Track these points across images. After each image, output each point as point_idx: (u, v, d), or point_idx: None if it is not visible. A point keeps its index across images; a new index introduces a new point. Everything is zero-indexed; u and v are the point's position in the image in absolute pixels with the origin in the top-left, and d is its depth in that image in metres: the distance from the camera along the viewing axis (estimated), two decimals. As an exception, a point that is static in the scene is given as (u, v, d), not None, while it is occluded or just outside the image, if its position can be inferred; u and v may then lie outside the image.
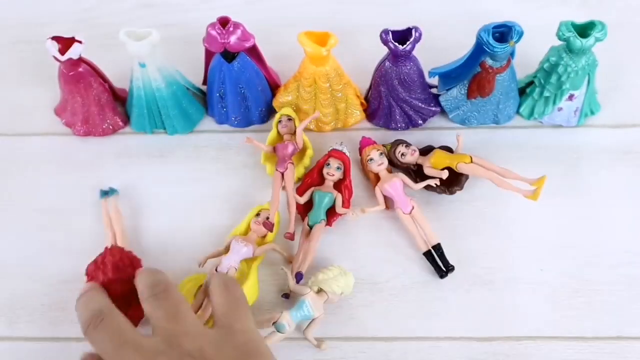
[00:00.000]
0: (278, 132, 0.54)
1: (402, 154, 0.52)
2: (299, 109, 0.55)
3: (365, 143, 0.53)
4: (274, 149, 0.52)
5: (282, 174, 0.51)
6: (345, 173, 0.51)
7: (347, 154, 0.52)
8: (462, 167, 0.50)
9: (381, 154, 0.52)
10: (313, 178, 0.52)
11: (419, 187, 0.50)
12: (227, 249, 0.48)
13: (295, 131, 0.53)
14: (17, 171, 0.55)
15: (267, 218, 0.49)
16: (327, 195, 0.50)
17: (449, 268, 0.48)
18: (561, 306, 0.47)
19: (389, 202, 0.51)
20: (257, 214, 0.49)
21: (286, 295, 0.47)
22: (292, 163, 0.52)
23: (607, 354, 0.45)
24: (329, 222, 0.50)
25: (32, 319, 0.48)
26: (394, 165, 0.53)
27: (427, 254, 0.49)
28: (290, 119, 0.54)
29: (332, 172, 0.51)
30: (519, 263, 0.49)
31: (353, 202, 0.51)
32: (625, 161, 0.54)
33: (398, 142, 0.53)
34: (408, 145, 0.52)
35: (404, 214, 0.50)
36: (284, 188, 0.51)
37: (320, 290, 0.46)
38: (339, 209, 0.50)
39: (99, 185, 0.54)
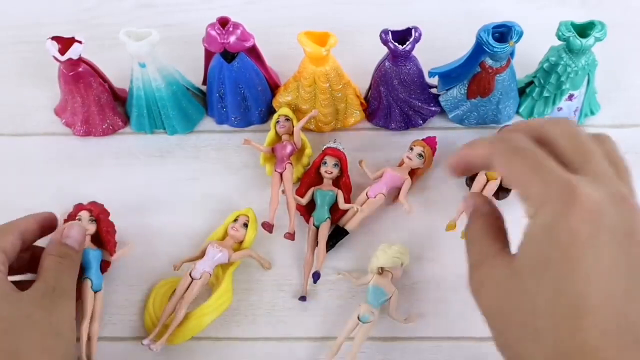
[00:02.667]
0: (276, 132, 0.54)
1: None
2: (299, 109, 0.55)
3: (427, 140, 0.53)
4: (273, 150, 0.52)
5: (281, 175, 0.51)
6: (343, 170, 0.51)
7: (342, 150, 0.52)
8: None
9: (420, 155, 0.52)
10: (311, 178, 0.52)
11: (403, 200, 0.51)
12: (202, 254, 0.48)
13: (293, 131, 0.53)
14: (17, 171, 0.56)
15: (264, 223, 0.49)
16: (328, 194, 0.50)
17: (331, 244, 0.50)
18: (561, 306, 0.47)
19: (392, 196, 0.52)
20: (235, 220, 0.49)
21: (303, 298, 0.48)
22: (291, 163, 0.52)
23: (607, 354, 0.45)
24: (333, 220, 0.51)
25: (32, 319, 0.48)
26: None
27: (342, 230, 0.50)
28: (288, 119, 0.54)
29: (330, 170, 0.51)
30: (519, 263, 0.49)
31: (352, 197, 0.52)
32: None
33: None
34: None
35: (366, 195, 0.51)
36: (283, 192, 0.51)
37: (382, 271, 0.46)
38: (341, 205, 0.50)
39: (99, 185, 0.54)
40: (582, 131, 0.35)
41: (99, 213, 0.48)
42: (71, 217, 0.48)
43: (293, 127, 0.53)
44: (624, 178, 0.34)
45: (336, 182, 0.52)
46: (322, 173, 0.51)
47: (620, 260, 0.31)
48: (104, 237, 0.48)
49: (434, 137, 0.53)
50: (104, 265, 0.48)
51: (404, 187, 0.51)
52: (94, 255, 0.47)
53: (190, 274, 0.47)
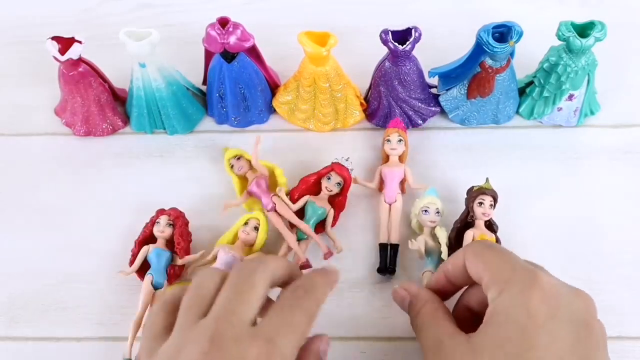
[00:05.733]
0: (237, 176, 0.52)
1: (480, 203, 0.47)
2: (299, 108, 0.55)
3: (392, 124, 0.52)
4: (249, 195, 0.51)
5: (276, 211, 0.50)
6: (343, 190, 0.50)
7: (351, 171, 0.50)
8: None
9: (400, 140, 0.51)
10: (309, 185, 0.50)
11: (416, 186, 0.51)
12: (214, 258, 0.47)
13: (251, 166, 0.51)
14: (17, 171, 0.56)
15: (301, 264, 0.48)
16: (319, 210, 0.49)
17: (389, 269, 0.48)
18: (561, 306, 0.47)
19: (383, 185, 0.51)
20: (245, 223, 0.49)
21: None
22: (275, 195, 0.50)
23: (607, 354, 0.45)
24: (317, 229, 0.50)
25: (32, 319, 0.48)
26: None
27: (382, 246, 0.49)
28: (238, 158, 0.52)
29: (331, 188, 0.50)
30: (518, 263, 0.49)
31: (349, 214, 0.51)
32: (625, 161, 0.54)
33: (482, 192, 0.47)
34: (492, 203, 0.47)
35: (384, 202, 0.50)
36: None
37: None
38: (328, 227, 0.49)
39: (99, 185, 0.54)
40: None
41: (175, 218, 0.48)
42: (153, 221, 0.49)
43: (248, 161, 0.51)
44: None
45: (332, 198, 0.50)
46: (322, 187, 0.50)
47: (576, 348, 0.33)
48: (175, 240, 0.47)
49: (397, 119, 0.53)
50: (175, 271, 0.48)
51: (408, 176, 0.51)
52: (163, 255, 0.47)
53: None
